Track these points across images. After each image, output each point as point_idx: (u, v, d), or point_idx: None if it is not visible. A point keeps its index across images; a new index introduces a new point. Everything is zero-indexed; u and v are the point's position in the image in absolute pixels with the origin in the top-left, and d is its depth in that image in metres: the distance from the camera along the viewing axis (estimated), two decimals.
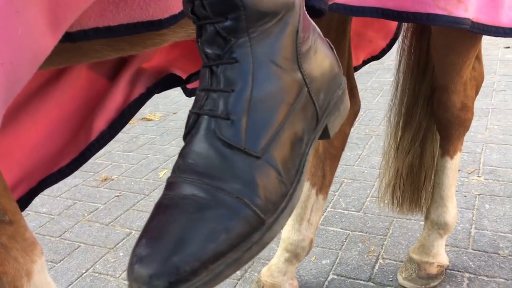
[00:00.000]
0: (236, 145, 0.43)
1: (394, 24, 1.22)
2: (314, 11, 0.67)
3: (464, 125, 1.26)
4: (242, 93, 0.45)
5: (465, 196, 1.79)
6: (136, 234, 1.74)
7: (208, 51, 0.46)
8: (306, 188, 1.34)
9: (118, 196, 2.01)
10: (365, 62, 1.30)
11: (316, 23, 1.08)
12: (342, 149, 1.32)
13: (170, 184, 0.44)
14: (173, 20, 0.59)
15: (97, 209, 1.92)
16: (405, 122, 1.30)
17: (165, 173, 2.16)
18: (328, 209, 1.79)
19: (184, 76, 0.90)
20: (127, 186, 2.08)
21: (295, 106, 0.48)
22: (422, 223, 1.63)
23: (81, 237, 1.74)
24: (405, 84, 1.27)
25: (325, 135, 0.54)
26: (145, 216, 1.84)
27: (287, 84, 0.47)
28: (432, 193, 1.35)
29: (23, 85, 0.49)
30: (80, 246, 1.69)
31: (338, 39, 1.15)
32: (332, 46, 0.55)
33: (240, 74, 0.45)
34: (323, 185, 1.33)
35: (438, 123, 1.26)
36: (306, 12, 0.52)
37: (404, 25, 1.24)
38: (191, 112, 0.46)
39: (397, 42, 1.27)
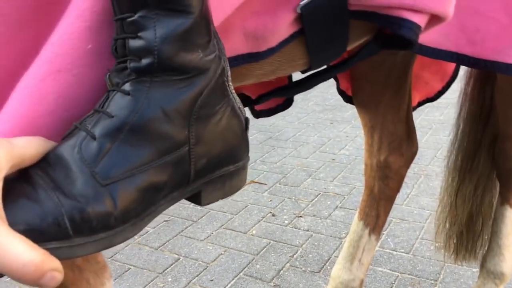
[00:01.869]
0: (89, 164, 0.43)
1: (451, 67, 1.22)
2: (403, 42, 0.66)
3: None
4: (119, 122, 0.45)
5: None
6: (184, 261, 1.77)
7: (113, 78, 0.47)
8: (359, 227, 1.34)
9: (167, 221, 2.06)
10: (420, 104, 1.30)
11: (377, 67, 1.12)
12: (398, 190, 1.32)
13: (27, 171, 0.44)
14: (270, 52, 0.63)
15: (147, 232, 1.97)
16: (465, 169, 1.29)
17: None
18: (376, 248, 1.77)
19: (253, 96, 0.91)
20: (175, 212, 2.12)
21: (166, 157, 0.46)
22: (474, 269, 1.59)
23: (131, 260, 1.78)
24: (466, 131, 1.26)
25: (195, 200, 0.52)
26: (193, 243, 1.87)
27: (167, 134, 0.46)
28: (489, 241, 1.32)
29: (90, 108, 0.52)
30: (131, 268, 1.73)
31: (400, 82, 1.16)
32: (247, 128, 0.54)
33: (126, 105, 0.45)
34: (376, 226, 1.33)
35: (498, 171, 1.25)
36: (227, 81, 0.52)
37: (466, 70, 1.24)
38: (73, 124, 0.46)
39: (459, 87, 1.27)
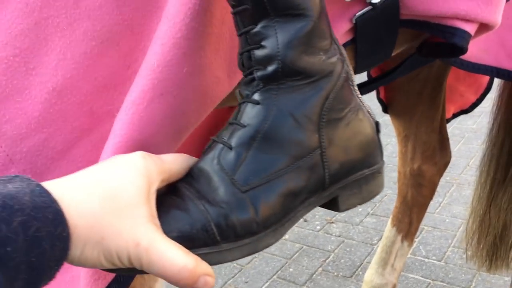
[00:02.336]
0: (228, 173, 0.45)
1: (485, 79, 1.24)
2: (455, 49, 0.68)
3: None
4: (252, 130, 0.47)
5: None
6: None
7: (243, 91, 0.50)
8: (392, 233, 1.37)
9: None
10: (454, 115, 1.33)
11: (413, 78, 1.15)
12: (431, 198, 1.35)
13: (175, 185, 0.47)
14: None
15: None
16: (499, 179, 1.30)
17: None
18: (408, 255, 1.79)
19: None
20: None
21: (300, 162, 0.47)
22: (506, 278, 1.60)
23: None
24: (500, 140, 1.28)
25: (333, 206, 0.52)
26: None
27: (299, 140, 0.47)
28: None
29: (191, 122, 0.57)
30: None
31: (434, 93, 1.20)
32: (378, 131, 0.54)
33: (257, 114, 0.47)
34: (409, 232, 1.36)
35: None
36: (353, 86, 0.52)
37: (497, 80, 1.26)
38: (211, 138, 0.50)
39: (492, 96, 1.29)
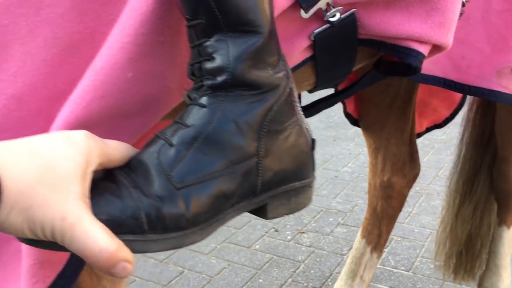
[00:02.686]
0: (165, 168, 0.47)
1: (458, 95, 1.27)
2: (409, 69, 0.71)
3: None
4: (195, 131, 0.49)
5: None
6: (188, 273, 1.80)
7: (191, 94, 0.52)
8: (361, 245, 1.38)
9: None
10: (428, 129, 1.35)
11: (383, 91, 1.17)
12: (400, 210, 1.36)
13: (112, 172, 0.48)
14: None
15: None
16: (465, 192, 1.33)
17: None
18: (377, 265, 1.80)
19: None
20: None
21: (236, 167, 0.49)
22: None
23: (136, 272, 1.81)
24: (468, 155, 1.30)
25: (261, 213, 0.55)
26: (197, 256, 1.91)
27: (238, 145, 0.49)
28: (487, 262, 1.36)
29: (136, 127, 0.58)
30: (136, 280, 1.76)
31: (405, 105, 1.21)
32: (313, 148, 0.57)
33: (202, 117, 0.49)
34: (378, 244, 1.37)
35: (496, 193, 1.29)
36: (295, 102, 0.55)
37: (470, 97, 1.28)
38: (154, 133, 0.51)
39: (461, 112, 1.32)
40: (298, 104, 0.56)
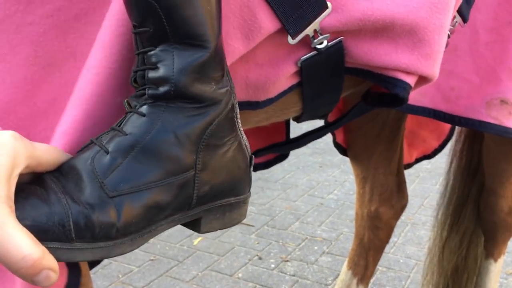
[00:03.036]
0: (99, 175, 0.46)
1: (447, 126, 1.27)
2: (396, 99, 0.70)
3: (510, 229, 1.26)
4: (132, 139, 0.48)
5: None
6: None
7: (131, 102, 0.51)
8: (347, 277, 1.34)
9: (152, 260, 2.04)
10: (417, 160, 1.35)
11: (371, 119, 1.16)
12: (387, 241, 1.34)
13: (41, 176, 0.47)
14: (268, 102, 0.67)
15: (131, 271, 1.95)
16: (452, 223, 1.32)
17: (199, 241, 2.18)
18: None
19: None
20: (161, 251, 2.11)
21: (172, 179, 0.49)
22: None
23: None
24: (455, 185, 1.30)
25: (195, 227, 0.55)
26: (178, 284, 1.85)
27: (175, 157, 0.49)
28: None
29: None
30: None
31: (392, 135, 1.20)
32: (251, 164, 0.57)
33: (141, 125, 0.49)
34: (364, 276, 1.34)
35: (483, 226, 1.27)
36: (236, 117, 0.55)
37: (457, 128, 1.28)
38: (90, 139, 0.50)
39: (449, 143, 1.31)
40: (239, 120, 0.55)
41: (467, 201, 1.29)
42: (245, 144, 0.56)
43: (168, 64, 0.49)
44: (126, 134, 0.48)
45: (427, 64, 0.67)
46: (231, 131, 0.54)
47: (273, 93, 0.67)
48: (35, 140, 0.52)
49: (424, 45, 0.65)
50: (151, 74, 0.50)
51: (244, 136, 0.56)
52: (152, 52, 0.50)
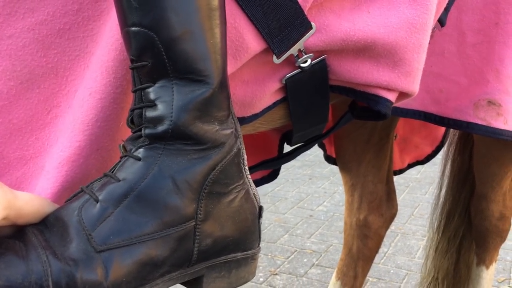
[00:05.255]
0: (86, 227, 0.41)
1: (440, 132, 1.27)
2: (378, 115, 0.72)
3: (501, 235, 1.24)
4: (125, 186, 0.43)
5: None
6: None
7: (127, 145, 0.47)
8: (336, 287, 1.31)
9: None
10: (410, 166, 1.34)
11: (360, 126, 1.14)
12: (376, 251, 1.31)
13: (23, 229, 0.43)
14: (253, 117, 0.67)
15: None
16: (443, 226, 1.30)
17: None
18: None
19: None
20: None
21: (170, 231, 0.44)
22: None
23: None
24: (448, 190, 1.28)
25: (195, 286, 0.48)
26: None
27: (174, 206, 0.44)
28: None
29: None
30: None
31: (381, 143, 1.18)
32: (260, 216, 0.52)
33: (135, 171, 0.44)
34: (353, 286, 1.31)
35: (475, 231, 1.25)
36: (243, 163, 0.50)
37: (451, 132, 1.27)
38: (80, 187, 0.46)
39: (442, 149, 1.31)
40: (247, 168, 0.51)
41: (457, 205, 1.28)
42: (254, 193, 0.51)
43: (167, 101, 0.45)
44: (119, 181, 0.44)
45: (407, 81, 0.69)
46: (238, 178, 0.49)
47: (258, 108, 0.67)
48: (9, 160, 0.50)
49: (404, 64, 0.67)
50: (149, 112, 0.46)
51: (253, 184, 0.51)
52: (150, 89, 0.46)
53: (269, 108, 0.69)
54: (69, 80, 0.52)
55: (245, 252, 0.50)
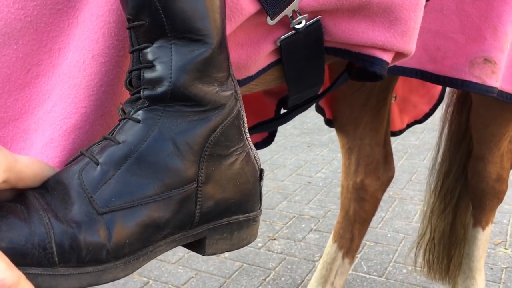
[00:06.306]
0: (87, 190, 0.41)
1: (437, 90, 1.25)
2: (374, 76, 0.71)
3: (498, 196, 1.24)
4: (125, 149, 0.43)
5: (492, 269, 1.74)
6: (153, 284, 1.71)
7: (125, 108, 0.47)
8: (333, 249, 1.32)
9: None
10: (408, 126, 1.34)
11: (357, 89, 1.13)
12: (373, 214, 1.31)
13: (23, 193, 0.42)
14: (248, 80, 0.66)
15: None
16: (440, 187, 1.30)
17: None
18: (349, 271, 1.75)
19: None
20: None
21: (172, 193, 0.44)
22: None
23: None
24: (445, 151, 1.28)
25: (199, 248, 0.49)
26: (163, 266, 1.82)
27: (175, 167, 0.44)
28: (461, 264, 1.32)
29: None
30: None
31: (379, 106, 1.17)
32: (261, 178, 0.52)
33: (135, 133, 0.44)
34: (350, 249, 1.32)
35: (471, 193, 1.25)
36: (243, 126, 0.50)
37: (448, 93, 1.26)
38: (79, 150, 0.45)
39: (441, 109, 1.30)
40: (247, 130, 0.50)
41: (455, 167, 1.27)
42: (255, 156, 0.51)
43: (165, 61, 0.44)
44: (119, 143, 0.43)
45: (403, 41, 0.67)
46: (238, 140, 0.48)
47: (253, 71, 0.66)
48: (54, 150, 0.48)
49: (400, 23, 0.66)
50: (147, 73, 0.45)
51: (253, 147, 0.51)
52: (148, 49, 0.45)
53: (264, 70, 0.68)
54: (50, 37, 0.49)
55: (247, 214, 0.50)
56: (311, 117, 3.76)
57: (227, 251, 0.50)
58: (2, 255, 0.34)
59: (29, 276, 0.35)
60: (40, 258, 0.37)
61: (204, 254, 0.48)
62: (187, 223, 0.45)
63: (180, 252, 1.91)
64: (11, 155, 0.39)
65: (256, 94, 0.91)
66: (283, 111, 0.94)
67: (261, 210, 0.52)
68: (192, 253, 1.91)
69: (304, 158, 2.97)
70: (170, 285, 1.71)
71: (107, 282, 0.40)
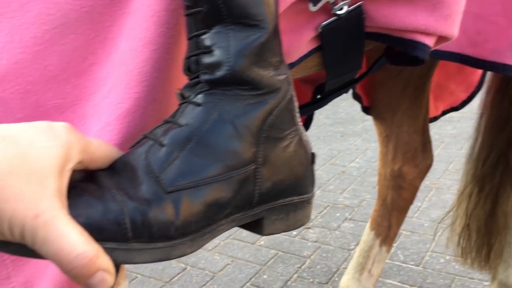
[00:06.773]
0: (154, 170, 0.42)
1: (476, 77, 1.23)
2: (416, 61, 0.70)
3: None
4: (188, 131, 0.44)
5: None
6: (191, 270, 1.75)
7: (185, 92, 0.48)
8: (370, 237, 1.32)
9: None
10: (444, 113, 1.32)
11: (396, 75, 1.11)
12: (411, 202, 1.30)
13: (93, 173, 0.44)
14: (290, 66, 0.66)
15: None
16: (475, 174, 1.28)
17: None
18: (386, 260, 1.74)
19: None
20: None
21: (233, 173, 0.45)
22: (486, 283, 1.56)
23: (138, 268, 1.76)
24: (484, 139, 1.25)
25: (257, 229, 0.50)
26: (200, 253, 1.86)
27: (235, 149, 0.45)
28: (502, 252, 1.29)
29: None
30: (137, 277, 1.71)
31: (417, 92, 1.16)
32: (313, 161, 0.53)
33: (196, 116, 0.45)
34: (387, 237, 1.31)
35: None
36: (295, 110, 0.51)
37: (487, 80, 1.24)
38: (142, 134, 0.47)
39: (479, 97, 1.27)
40: (298, 114, 0.51)
41: (491, 153, 1.24)
42: (306, 140, 0.52)
43: (223, 46, 0.46)
44: (182, 126, 0.45)
45: (446, 25, 0.66)
46: (291, 124, 0.50)
47: (294, 57, 0.66)
48: (45, 108, 0.50)
49: (443, 6, 0.65)
50: (206, 58, 0.46)
51: (304, 131, 0.52)
52: (206, 35, 0.46)
53: (305, 57, 0.68)
54: (104, 26, 0.51)
55: (301, 196, 0.51)
56: (343, 107, 3.73)
57: (283, 231, 0.51)
58: (81, 229, 0.36)
59: (106, 250, 0.37)
60: (115, 233, 0.39)
61: (262, 234, 0.50)
62: (247, 203, 0.47)
63: (216, 239, 1.95)
64: (85, 138, 0.41)
65: (294, 82, 0.92)
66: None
67: (313, 193, 0.54)
68: (228, 240, 1.94)
69: (337, 147, 2.96)
70: (207, 271, 1.74)
71: (176, 258, 0.42)
